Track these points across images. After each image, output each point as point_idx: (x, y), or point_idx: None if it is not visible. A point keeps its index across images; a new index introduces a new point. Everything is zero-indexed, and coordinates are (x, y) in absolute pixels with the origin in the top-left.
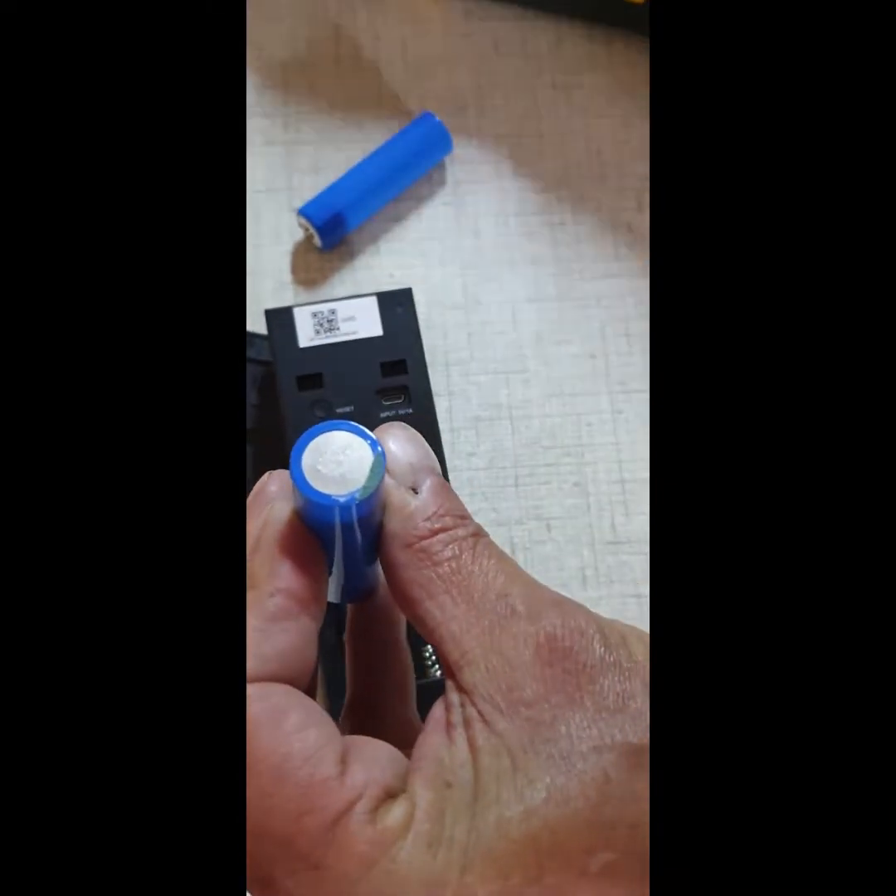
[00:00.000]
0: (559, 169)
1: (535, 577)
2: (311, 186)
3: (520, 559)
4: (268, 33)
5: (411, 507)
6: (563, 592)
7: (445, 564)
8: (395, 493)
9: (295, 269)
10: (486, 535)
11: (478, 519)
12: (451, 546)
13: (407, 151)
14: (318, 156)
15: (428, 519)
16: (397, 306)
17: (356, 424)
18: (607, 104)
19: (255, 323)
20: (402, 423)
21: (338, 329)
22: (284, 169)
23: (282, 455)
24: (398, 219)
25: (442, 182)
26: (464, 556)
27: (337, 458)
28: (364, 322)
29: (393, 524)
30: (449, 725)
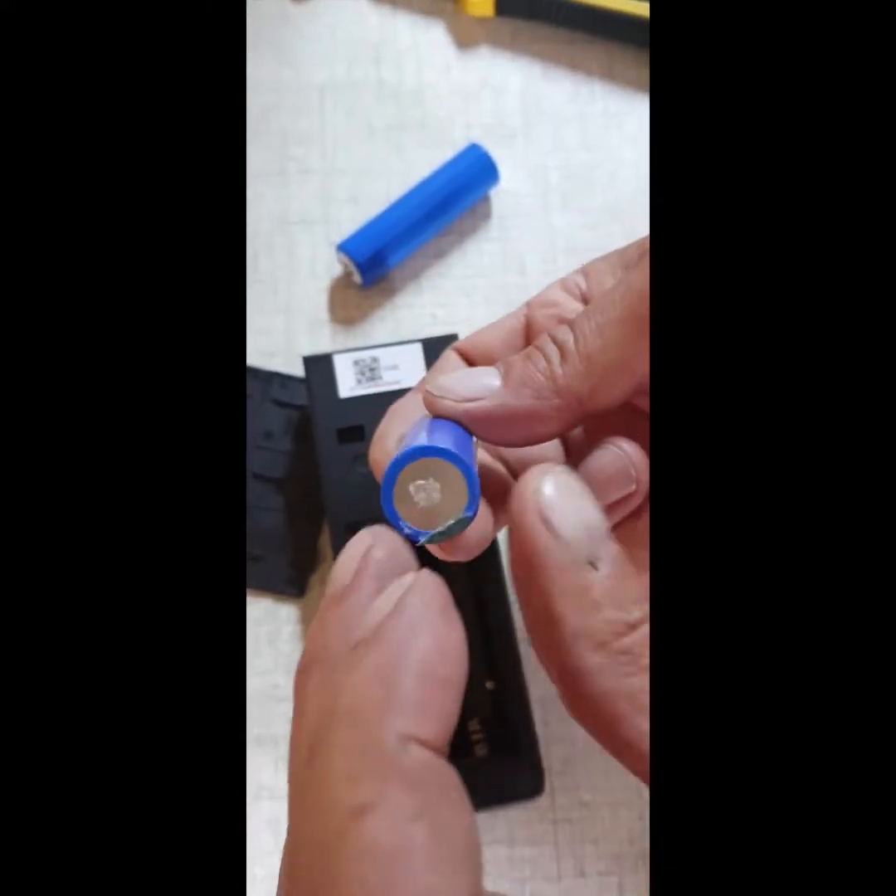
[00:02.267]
0: (610, 202)
1: None
2: (349, 218)
3: None
4: (305, 54)
5: (596, 590)
6: None
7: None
8: (569, 571)
9: (332, 307)
10: None
11: None
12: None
13: (452, 185)
14: (357, 185)
15: (622, 606)
16: None
17: (468, 466)
18: None
19: (291, 364)
20: (567, 468)
21: (380, 378)
22: (321, 199)
23: (317, 508)
24: (440, 255)
25: (487, 216)
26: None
27: (430, 486)
28: (408, 370)
29: (573, 616)
30: None
